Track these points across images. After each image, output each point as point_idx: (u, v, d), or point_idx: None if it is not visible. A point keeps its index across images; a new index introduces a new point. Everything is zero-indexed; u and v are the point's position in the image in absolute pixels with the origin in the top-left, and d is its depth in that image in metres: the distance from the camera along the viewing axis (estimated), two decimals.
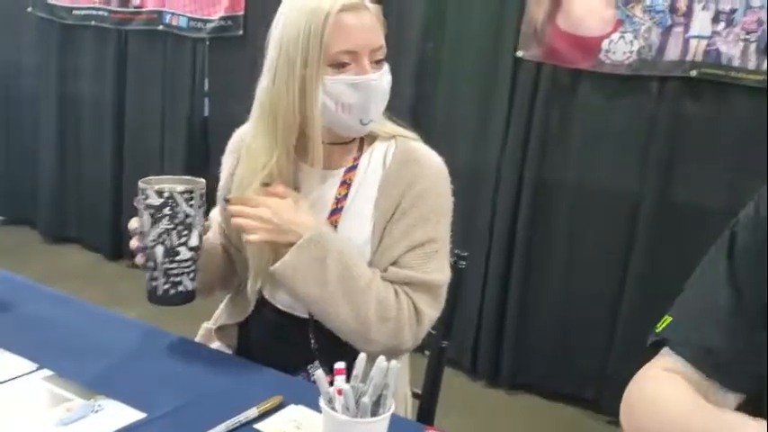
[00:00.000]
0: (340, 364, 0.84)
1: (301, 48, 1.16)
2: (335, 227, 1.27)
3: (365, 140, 1.32)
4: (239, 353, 1.38)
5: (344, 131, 1.26)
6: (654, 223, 2.49)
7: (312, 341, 1.29)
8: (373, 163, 1.30)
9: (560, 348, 2.75)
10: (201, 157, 3.52)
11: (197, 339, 1.42)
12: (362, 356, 0.89)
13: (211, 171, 3.61)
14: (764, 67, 2.21)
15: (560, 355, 2.75)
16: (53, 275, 3.45)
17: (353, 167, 1.30)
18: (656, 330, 0.91)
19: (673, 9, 2.33)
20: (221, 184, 1.43)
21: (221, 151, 3.69)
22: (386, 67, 1.24)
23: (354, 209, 1.28)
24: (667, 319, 0.90)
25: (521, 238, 2.73)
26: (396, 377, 0.83)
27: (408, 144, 1.31)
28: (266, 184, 1.23)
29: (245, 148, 1.29)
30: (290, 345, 1.31)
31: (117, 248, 3.82)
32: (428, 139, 1.36)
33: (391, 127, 1.33)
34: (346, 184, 1.29)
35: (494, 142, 2.72)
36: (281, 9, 1.23)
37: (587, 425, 2.68)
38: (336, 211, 1.28)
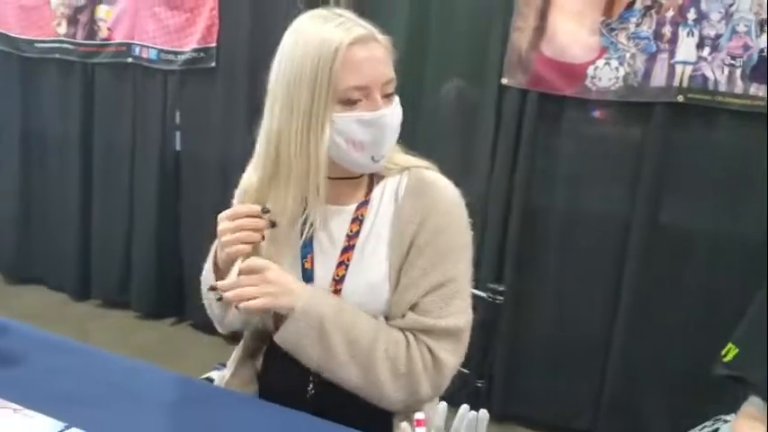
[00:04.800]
0: (420, 415, 0.78)
1: (307, 84, 1.10)
2: (347, 265, 1.21)
3: (375, 174, 1.26)
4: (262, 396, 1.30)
5: (355, 168, 1.20)
6: (644, 247, 2.49)
7: (311, 390, 1.23)
8: (386, 198, 1.24)
9: (552, 377, 2.71)
10: (173, 193, 3.42)
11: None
12: (442, 406, 0.83)
13: (183, 207, 3.55)
14: (751, 91, 2.26)
15: (552, 383, 2.71)
16: (21, 317, 3.27)
17: (365, 203, 1.24)
18: (724, 360, 0.88)
19: (657, 36, 2.36)
20: None
21: (194, 186, 3.60)
22: (396, 99, 1.18)
23: (367, 247, 1.22)
24: (732, 350, 0.88)
25: (509, 266, 2.70)
26: (486, 428, 0.78)
27: (421, 174, 1.24)
28: (273, 224, 1.16)
29: (251, 193, 1.21)
30: (291, 388, 1.25)
31: (85, 288, 3.67)
32: None
33: (403, 158, 1.27)
34: (358, 220, 1.23)
35: (480, 170, 2.69)
36: (284, 42, 1.16)
37: None
38: (348, 248, 1.22)
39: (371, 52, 1.12)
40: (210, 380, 1.42)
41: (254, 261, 1.14)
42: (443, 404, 0.83)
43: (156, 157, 3.41)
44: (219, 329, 1.37)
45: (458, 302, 1.19)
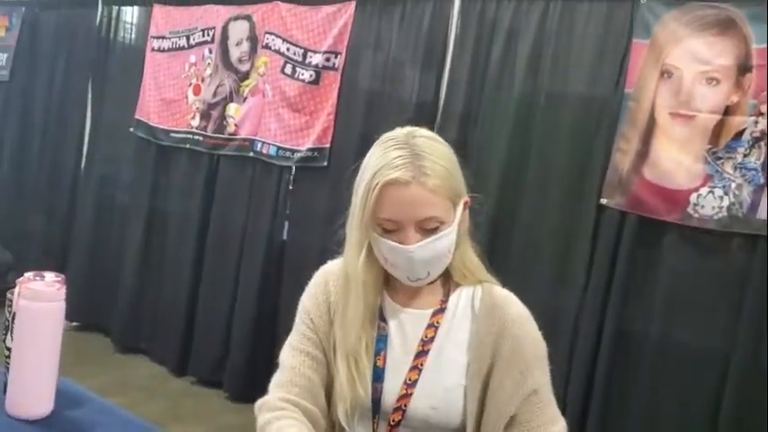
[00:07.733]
0: None
1: (361, 201, 1.19)
2: (420, 370, 1.24)
3: (451, 282, 1.31)
4: None
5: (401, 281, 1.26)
6: (743, 386, 2.33)
7: None
8: (461, 306, 1.29)
9: None
10: (275, 280, 3.56)
11: None
12: None
13: (282, 294, 3.64)
14: None
15: None
16: (120, 385, 3.49)
17: (441, 310, 1.29)
18: None
19: (765, 167, 2.29)
20: (307, 318, 1.38)
21: (295, 274, 3.73)
22: (441, 233, 1.20)
23: (443, 353, 1.25)
24: None
25: (598, 389, 2.59)
26: None
27: (495, 290, 1.30)
28: None
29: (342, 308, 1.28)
30: None
31: (183, 365, 3.83)
32: (503, 279, 1.32)
33: (477, 266, 1.31)
34: (433, 327, 1.27)
35: (574, 289, 2.65)
36: (367, 154, 1.24)
37: None
38: (422, 353, 1.25)
39: (409, 193, 1.16)
40: None
41: None
42: None
43: (263, 244, 3.60)
44: None
45: (551, 410, 1.24)
